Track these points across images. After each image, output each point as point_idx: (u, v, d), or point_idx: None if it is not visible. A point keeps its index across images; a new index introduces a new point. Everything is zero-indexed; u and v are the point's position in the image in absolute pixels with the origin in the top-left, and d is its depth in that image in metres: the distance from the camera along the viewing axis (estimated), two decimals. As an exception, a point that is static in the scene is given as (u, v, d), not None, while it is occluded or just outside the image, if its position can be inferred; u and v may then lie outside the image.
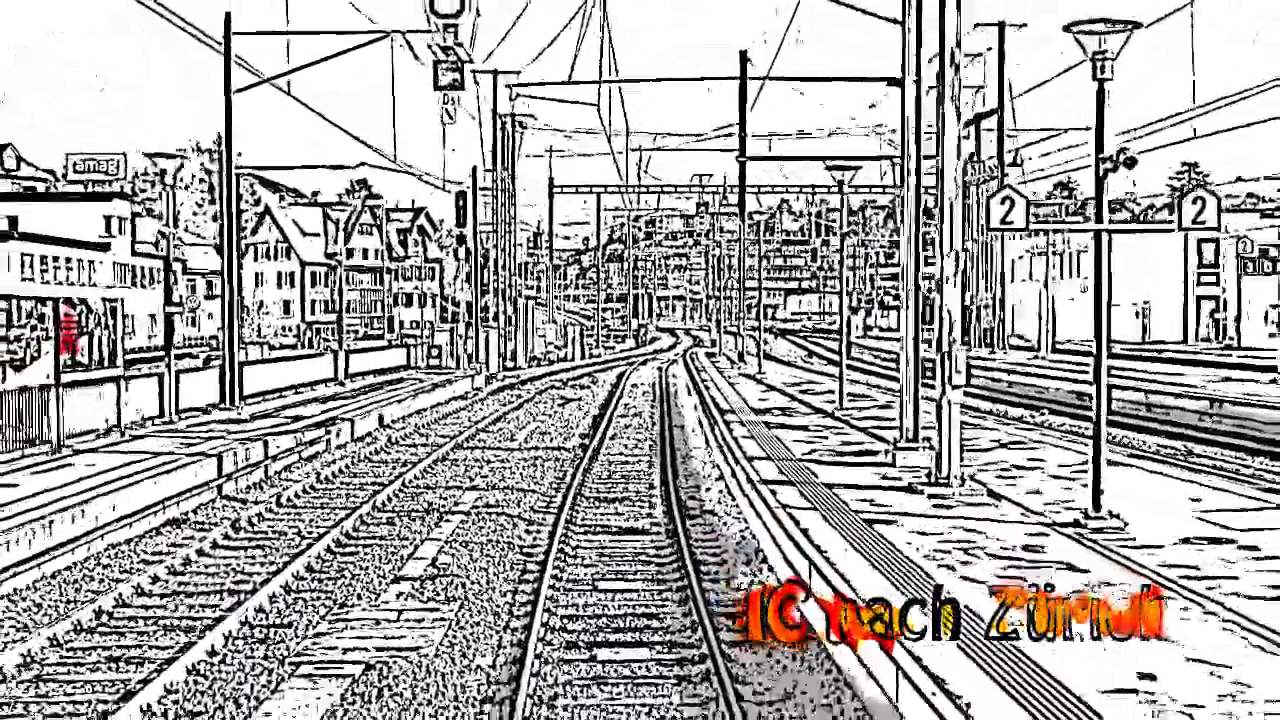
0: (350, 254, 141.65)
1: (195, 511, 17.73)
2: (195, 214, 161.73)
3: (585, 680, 9.98)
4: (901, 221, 18.14)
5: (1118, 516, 13.42)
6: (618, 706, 9.34)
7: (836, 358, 57.58)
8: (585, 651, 10.81)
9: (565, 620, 11.80)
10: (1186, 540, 12.53)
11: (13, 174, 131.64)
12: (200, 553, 14.92)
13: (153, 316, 78.17)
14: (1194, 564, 11.38)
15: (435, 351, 48.10)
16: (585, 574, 13.88)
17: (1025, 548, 12.26)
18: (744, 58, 45.94)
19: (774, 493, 15.64)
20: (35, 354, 18.66)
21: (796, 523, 13.63)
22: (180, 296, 79.86)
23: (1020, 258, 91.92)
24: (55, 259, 65.37)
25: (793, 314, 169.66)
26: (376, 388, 37.52)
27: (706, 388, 36.41)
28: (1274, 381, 34.86)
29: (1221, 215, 13.48)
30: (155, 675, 9.90)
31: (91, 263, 69.73)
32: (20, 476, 17.29)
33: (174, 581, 13.54)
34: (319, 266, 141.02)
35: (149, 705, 9.27)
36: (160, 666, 10.23)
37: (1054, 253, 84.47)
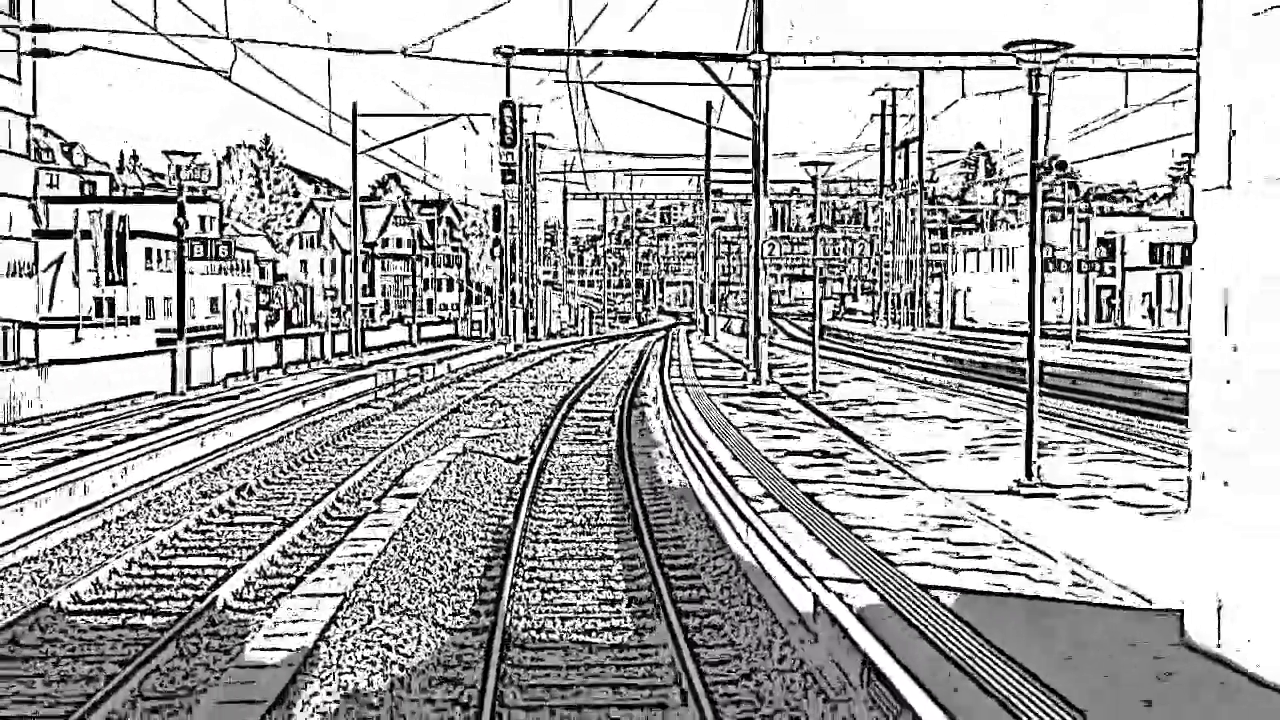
0: (385, 243, 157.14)
1: (368, 403, 33.03)
2: (246, 205, 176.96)
3: (574, 446, 25.18)
4: (749, 257, 33.08)
5: (827, 392, 28.61)
6: (585, 452, 24.48)
7: (806, 335, 73.01)
8: (573, 441, 26.04)
9: (564, 434, 27.03)
10: (851, 400, 27.69)
11: (81, 169, 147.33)
12: (384, 414, 30.21)
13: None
14: (836, 404, 26.48)
15: (476, 326, 63.39)
16: (573, 423, 29.09)
17: (775, 403, 27.44)
18: (709, 108, 60.96)
19: (672, 390, 30.90)
20: (275, 318, 34.02)
21: (676, 399, 28.84)
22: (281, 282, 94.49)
23: (970, 252, 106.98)
24: (164, 252, 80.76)
25: (795, 299, 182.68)
26: (439, 349, 52.92)
27: (672, 349, 51.73)
28: (1069, 348, 50.06)
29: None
30: (397, 441, 25.10)
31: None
32: (281, 379, 32.67)
33: (377, 424, 28.78)
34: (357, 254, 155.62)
35: (403, 445, 24.53)
36: (394, 440, 25.45)
37: (985, 249, 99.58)
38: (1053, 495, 14.65)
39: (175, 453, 20.09)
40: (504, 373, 45.47)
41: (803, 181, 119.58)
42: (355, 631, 10.83)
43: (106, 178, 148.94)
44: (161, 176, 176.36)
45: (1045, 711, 7.11)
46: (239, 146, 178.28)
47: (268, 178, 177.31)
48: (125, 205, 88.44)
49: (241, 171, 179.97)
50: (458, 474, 20.22)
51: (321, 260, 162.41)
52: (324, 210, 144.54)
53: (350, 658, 10.12)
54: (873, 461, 17.79)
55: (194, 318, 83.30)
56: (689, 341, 62.14)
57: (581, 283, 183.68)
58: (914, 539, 12.19)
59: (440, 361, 45.29)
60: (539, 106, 73.54)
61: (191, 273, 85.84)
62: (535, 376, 43.75)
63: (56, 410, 23.48)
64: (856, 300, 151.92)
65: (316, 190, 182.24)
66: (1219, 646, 8.00)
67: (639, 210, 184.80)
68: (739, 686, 9.62)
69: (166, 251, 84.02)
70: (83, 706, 9.00)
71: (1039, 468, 15.24)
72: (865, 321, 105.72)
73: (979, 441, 19.93)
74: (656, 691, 9.63)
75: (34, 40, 23.80)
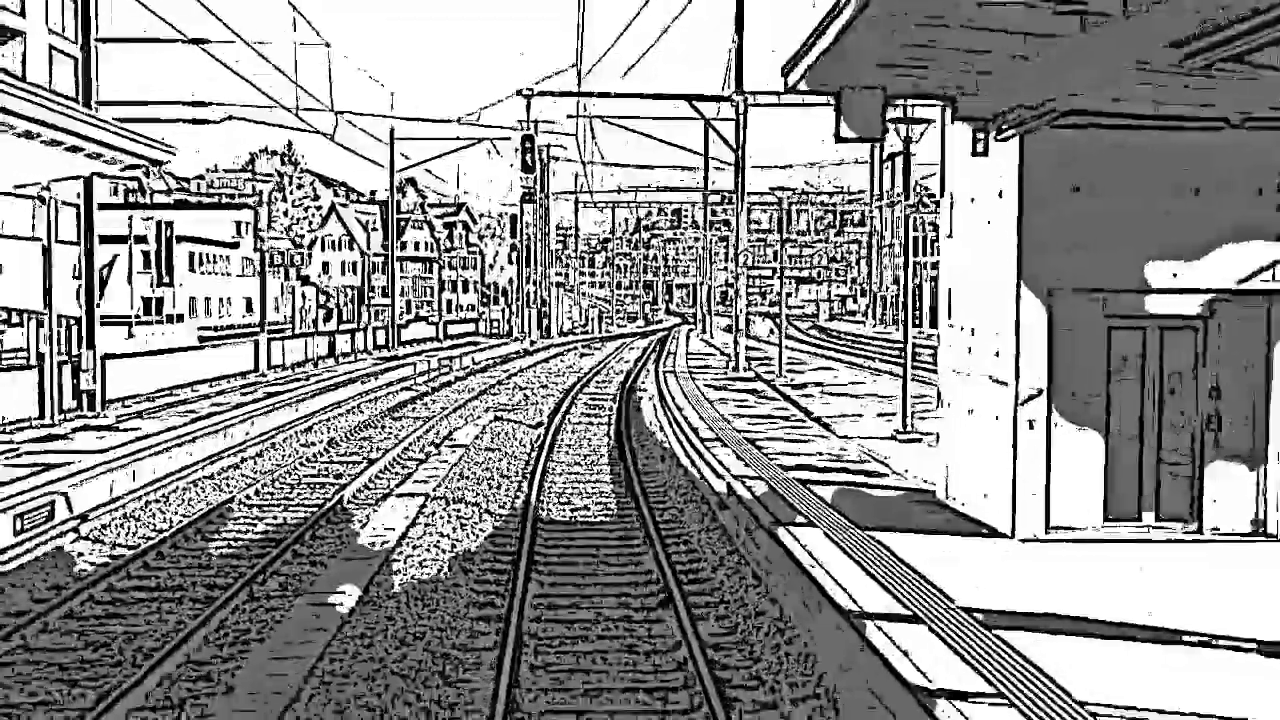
0: (404, 246, 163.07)
1: (410, 386, 39.13)
2: (270, 209, 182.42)
3: (582, 418, 31.26)
4: (737, 265, 39.06)
5: (792, 377, 34.64)
6: (591, 421, 30.54)
7: (799, 334, 79.26)
8: (584, 413, 32.12)
9: (576, 408, 33.10)
10: (810, 383, 33.69)
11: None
12: (426, 394, 36.31)
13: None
14: (797, 386, 32.46)
15: (494, 325, 69.55)
16: (582, 402, 35.17)
17: (749, 385, 33.47)
18: (707, 128, 66.91)
19: (664, 376, 36.97)
20: (330, 316, 40.13)
21: (666, 382, 34.89)
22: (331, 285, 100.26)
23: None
24: (205, 255, 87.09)
25: (803, 301, 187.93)
26: (463, 344, 59.03)
27: (670, 345, 57.80)
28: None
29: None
30: (440, 413, 31.18)
31: (227, 257, 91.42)
32: (336, 366, 38.83)
33: (421, 401, 34.86)
34: (378, 257, 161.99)
35: (445, 416, 30.62)
36: (437, 413, 31.52)
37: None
38: (919, 440, 20.69)
39: (276, 416, 26.22)
40: (522, 364, 51.62)
41: (818, 191, 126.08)
42: (438, 512, 16.92)
43: (136, 182, 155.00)
44: (186, 180, 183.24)
45: (826, 515, 13.21)
46: (262, 152, 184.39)
47: (290, 182, 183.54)
48: (166, 211, 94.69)
49: (265, 176, 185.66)
50: (492, 434, 26.33)
51: (343, 262, 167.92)
52: (367, 222, 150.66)
53: (437, 522, 16.21)
54: (802, 421, 23.89)
55: (228, 315, 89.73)
56: (688, 339, 68.27)
57: (592, 284, 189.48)
58: (809, 460, 18.27)
59: (466, 354, 51.42)
60: (553, 122, 79.81)
61: (228, 274, 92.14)
62: (549, 368, 49.88)
63: (175, 383, 29.67)
64: (857, 302, 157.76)
65: (335, 194, 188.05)
66: (947, 498, 14.07)
67: (649, 212, 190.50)
68: (682, 546, 15.64)
69: (206, 255, 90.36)
70: (282, 543, 15.05)
71: (913, 423, 21.32)
72: (860, 322, 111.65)
73: (894, 409, 25.95)
74: (631, 543, 15.68)
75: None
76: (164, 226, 75.64)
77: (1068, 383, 12.12)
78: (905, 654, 8.29)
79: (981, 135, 11.61)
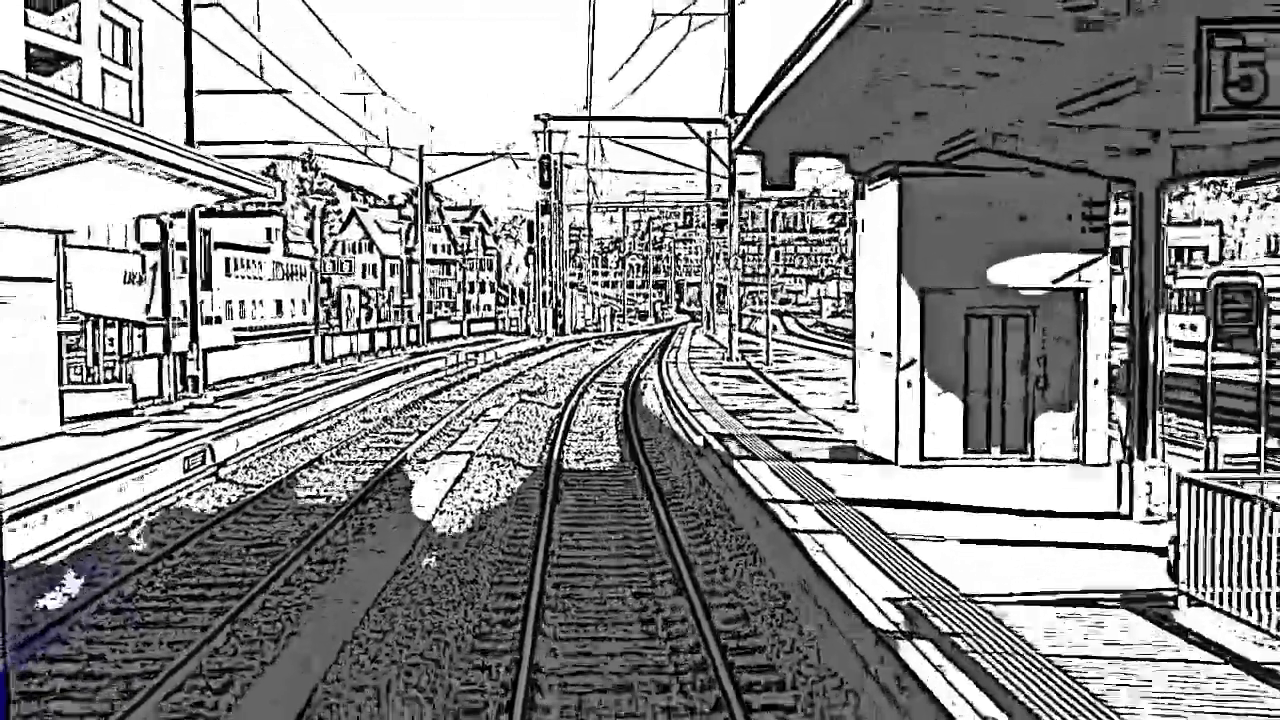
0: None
1: (446, 374, 44.17)
2: (291, 213, 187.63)
3: (593, 400, 36.25)
4: (730, 268, 44.02)
5: (778, 366, 39.58)
6: (601, 402, 35.52)
7: (800, 329, 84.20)
8: (595, 397, 37.12)
9: (589, 393, 38.10)
10: (793, 370, 38.65)
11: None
12: (458, 382, 41.34)
13: (292, 301, 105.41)
14: (781, 372, 37.41)
15: (513, 323, 74.64)
16: (595, 388, 40.16)
17: (737, 372, 38.42)
18: (709, 146, 71.80)
19: (666, 365, 41.94)
20: (368, 314, 45.21)
21: (667, 372, 39.85)
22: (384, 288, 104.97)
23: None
24: (239, 260, 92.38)
25: (812, 298, 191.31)
26: (486, 340, 64.10)
27: (675, 340, 62.78)
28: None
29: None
30: (472, 398, 36.20)
31: (259, 262, 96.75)
32: (376, 359, 43.93)
33: (455, 389, 39.88)
34: (396, 259, 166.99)
35: (477, 400, 35.64)
36: (469, 398, 36.55)
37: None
38: (864, 409, 25.62)
39: (338, 399, 31.30)
40: (540, 359, 56.68)
41: (820, 195, 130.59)
42: (482, 462, 21.95)
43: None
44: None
45: (770, 454, 18.20)
46: (283, 159, 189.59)
47: (312, 188, 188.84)
48: (203, 219, 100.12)
49: (287, 183, 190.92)
50: (519, 412, 31.37)
51: (363, 265, 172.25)
52: (399, 230, 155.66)
53: (483, 470, 21.24)
54: (776, 397, 28.88)
55: (260, 317, 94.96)
56: (693, 334, 73.35)
57: (605, 284, 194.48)
58: (773, 424, 23.25)
59: (489, 350, 56.48)
60: (565, 133, 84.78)
61: (259, 278, 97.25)
62: (565, 361, 54.94)
63: (248, 373, 34.83)
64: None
65: (353, 197, 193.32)
66: (863, 444, 19.05)
67: (659, 213, 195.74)
68: (667, 481, 20.62)
69: (240, 260, 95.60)
70: (367, 484, 20.07)
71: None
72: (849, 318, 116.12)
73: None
74: (630, 485, 20.69)
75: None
76: (203, 234, 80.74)
77: (935, 355, 17.09)
78: (793, 518, 13.28)
79: (862, 184, 16.62)
